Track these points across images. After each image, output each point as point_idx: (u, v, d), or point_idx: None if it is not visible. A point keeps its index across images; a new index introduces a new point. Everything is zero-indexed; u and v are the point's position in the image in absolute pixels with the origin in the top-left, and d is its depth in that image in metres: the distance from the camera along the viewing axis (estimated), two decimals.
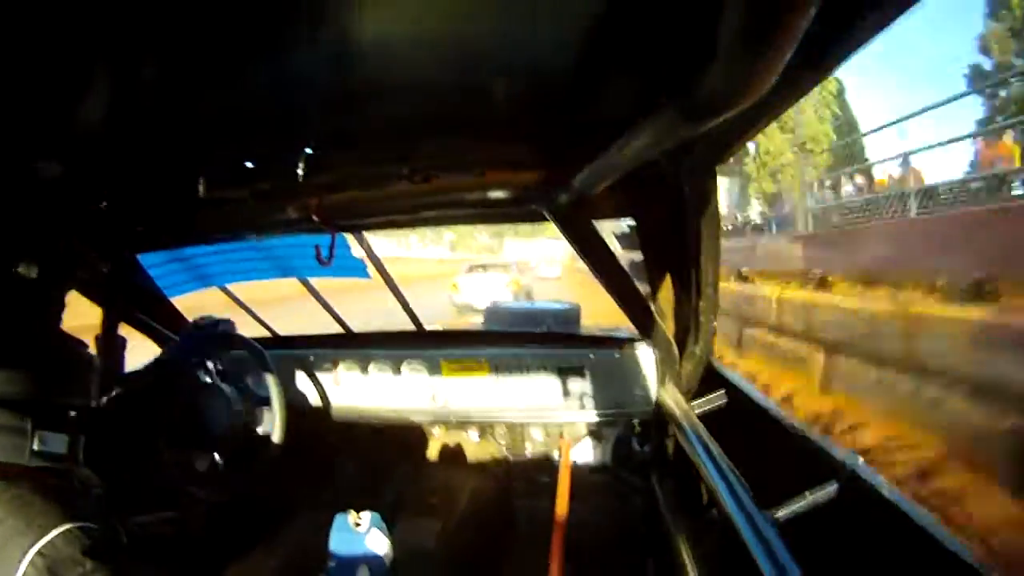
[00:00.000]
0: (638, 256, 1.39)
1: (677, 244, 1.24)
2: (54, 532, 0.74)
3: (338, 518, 1.09)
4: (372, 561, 1.02)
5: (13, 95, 0.83)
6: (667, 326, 1.49)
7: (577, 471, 2.07)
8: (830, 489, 0.94)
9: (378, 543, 1.05)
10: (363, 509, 1.11)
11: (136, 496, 1.29)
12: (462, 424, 1.97)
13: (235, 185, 1.34)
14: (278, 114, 1.02)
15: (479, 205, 1.39)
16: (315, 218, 1.37)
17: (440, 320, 8.55)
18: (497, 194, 1.30)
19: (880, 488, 0.87)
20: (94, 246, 1.57)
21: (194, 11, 0.66)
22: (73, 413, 0.99)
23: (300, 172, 1.22)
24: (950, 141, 7.53)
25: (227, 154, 1.23)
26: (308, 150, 1.17)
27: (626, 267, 1.46)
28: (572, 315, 3.81)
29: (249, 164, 1.25)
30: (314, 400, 2.00)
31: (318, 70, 0.85)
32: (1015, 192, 6.44)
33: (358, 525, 1.07)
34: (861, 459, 0.96)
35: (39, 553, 0.72)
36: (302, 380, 2.01)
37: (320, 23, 0.71)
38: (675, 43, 0.68)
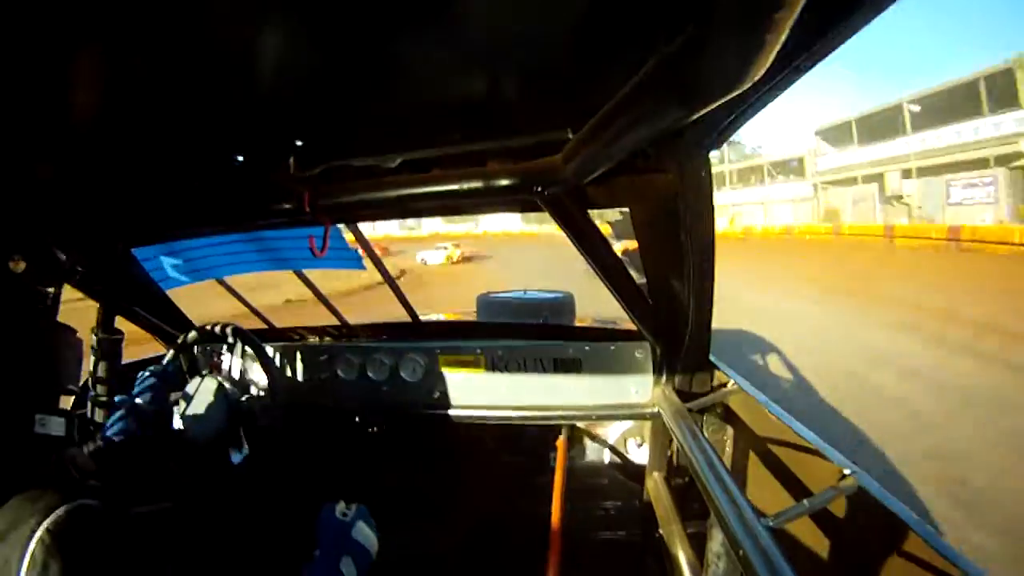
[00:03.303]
0: (632, 244, 1.39)
1: (672, 232, 1.24)
2: (60, 510, 0.76)
3: (325, 508, 1.10)
4: (357, 551, 1.03)
5: (5, 93, 0.82)
6: (664, 319, 1.50)
7: (573, 469, 2.08)
8: (825, 492, 0.94)
9: (364, 535, 1.06)
10: (354, 501, 1.12)
11: (132, 486, 1.30)
12: (458, 420, 1.98)
13: (228, 177, 1.33)
14: (270, 106, 1.02)
15: (473, 195, 1.39)
16: (308, 210, 1.37)
17: None
18: (491, 183, 1.29)
19: (875, 492, 0.88)
20: (89, 240, 1.57)
21: (185, 6, 0.66)
22: (70, 400, 1.02)
23: (292, 164, 1.22)
24: None
25: (219, 146, 1.23)
26: (300, 142, 1.17)
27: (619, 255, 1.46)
28: (567, 305, 3.79)
29: (241, 157, 1.24)
30: (310, 392, 2.00)
31: (309, 61, 0.85)
32: None
33: (345, 515, 1.08)
34: (855, 464, 0.97)
35: (47, 530, 0.73)
36: (298, 372, 2.01)
37: (310, 14, 0.70)
38: (668, 28, 0.68)
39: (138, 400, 1.43)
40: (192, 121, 1.06)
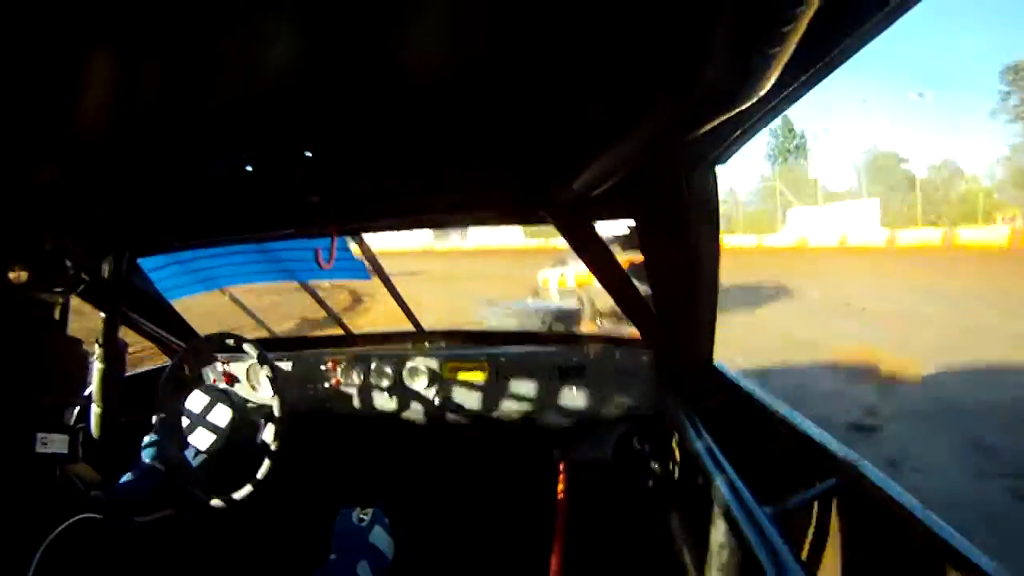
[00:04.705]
0: (636, 258, 1.39)
1: (677, 245, 1.24)
2: (65, 524, 0.76)
3: (341, 513, 1.09)
4: (374, 556, 1.02)
5: (11, 100, 0.83)
6: (668, 326, 1.49)
7: (578, 472, 2.07)
8: (827, 481, 0.94)
9: (380, 538, 1.05)
10: (366, 506, 1.12)
11: (136, 496, 1.30)
12: (463, 424, 1.97)
13: (235, 189, 1.34)
14: (279, 116, 1.02)
15: (480, 207, 1.39)
16: (315, 220, 1.37)
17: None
18: (498, 197, 1.30)
19: (878, 483, 0.87)
20: (95, 250, 1.58)
21: (194, 15, 0.66)
22: (73, 414, 1.01)
23: (300, 175, 1.22)
24: None
25: (227, 158, 1.23)
26: (309, 152, 1.17)
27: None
28: (572, 314, 3.81)
29: (249, 168, 1.25)
30: (314, 401, 2.00)
31: (320, 72, 0.85)
32: None
33: (361, 520, 1.07)
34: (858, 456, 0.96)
35: (51, 543, 0.73)
36: (303, 380, 2.01)
37: (318, 28, 0.71)
38: (673, 43, 0.68)
39: (146, 458, 1.40)
40: (201, 130, 1.06)
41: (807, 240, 22.59)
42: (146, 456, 1.39)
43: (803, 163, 30.63)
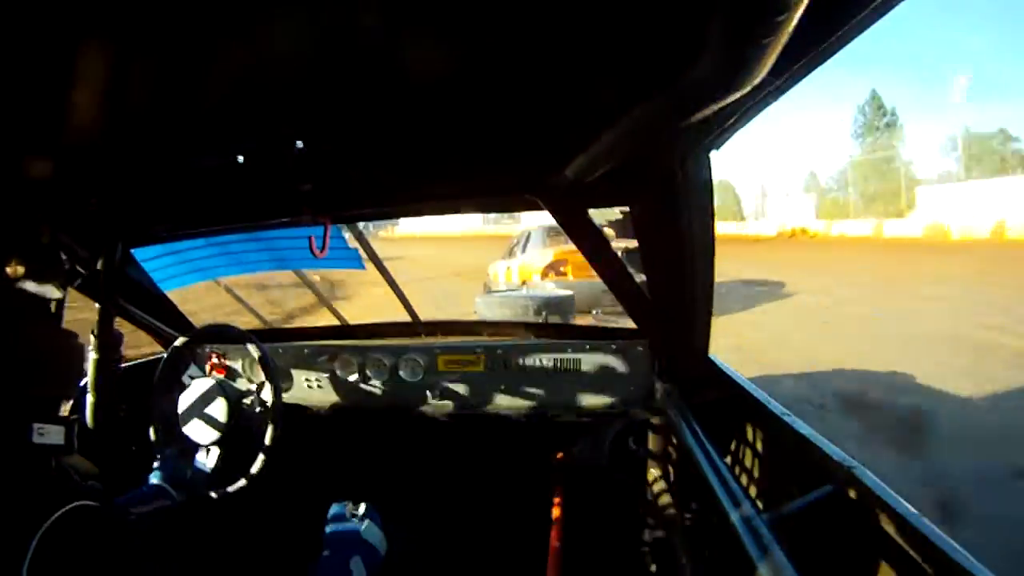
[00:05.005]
0: (632, 244, 1.39)
1: (672, 233, 1.24)
2: (61, 511, 0.76)
3: (334, 507, 1.10)
4: (366, 551, 1.02)
5: (3, 94, 0.82)
6: (664, 317, 1.50)
7: (573, 467, 2.09)
8: (826, 488, 0.94)
9: (373, 534, 1.06)
10: (359, 501, 1.12)
11: (132, 487, 1.31)
12: (458, 418, 1.98)
13: (227, 178, 1.33)
14: (270, 106, 1.01)
15: (473, 194, 1.39)
16: (307, 209, 1.37)
17: None
18: (492, 183, 1.29)
19: (875, 488, 0.87)
20: (88, 241, 1.57)
21: (184, 8, 0.66)
22: (68, 405, 1.01)
23: (292, 165, 1.22)
24: None
25: (219, 147, 1.22)
26: (300, 142, 1.17)
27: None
28: (566, 303, 3.82)
29: (241, 158, 1.24)
30: (310, 392, 2.00)
31: (311, 61, 0.85)
32: None
33: (354, 515, 1.08)
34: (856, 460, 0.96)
35: (47, 531, 0.73)
36: (297, 372, 2.01)
37: (310, 15, 0.70)
38: (667, 31, 0.68)
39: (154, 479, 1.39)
40: (193, 122, 1.05)
41: (947, 228, 16.54)
42: (155, 477, 1.39)
43: (896, 143, 25.81)
